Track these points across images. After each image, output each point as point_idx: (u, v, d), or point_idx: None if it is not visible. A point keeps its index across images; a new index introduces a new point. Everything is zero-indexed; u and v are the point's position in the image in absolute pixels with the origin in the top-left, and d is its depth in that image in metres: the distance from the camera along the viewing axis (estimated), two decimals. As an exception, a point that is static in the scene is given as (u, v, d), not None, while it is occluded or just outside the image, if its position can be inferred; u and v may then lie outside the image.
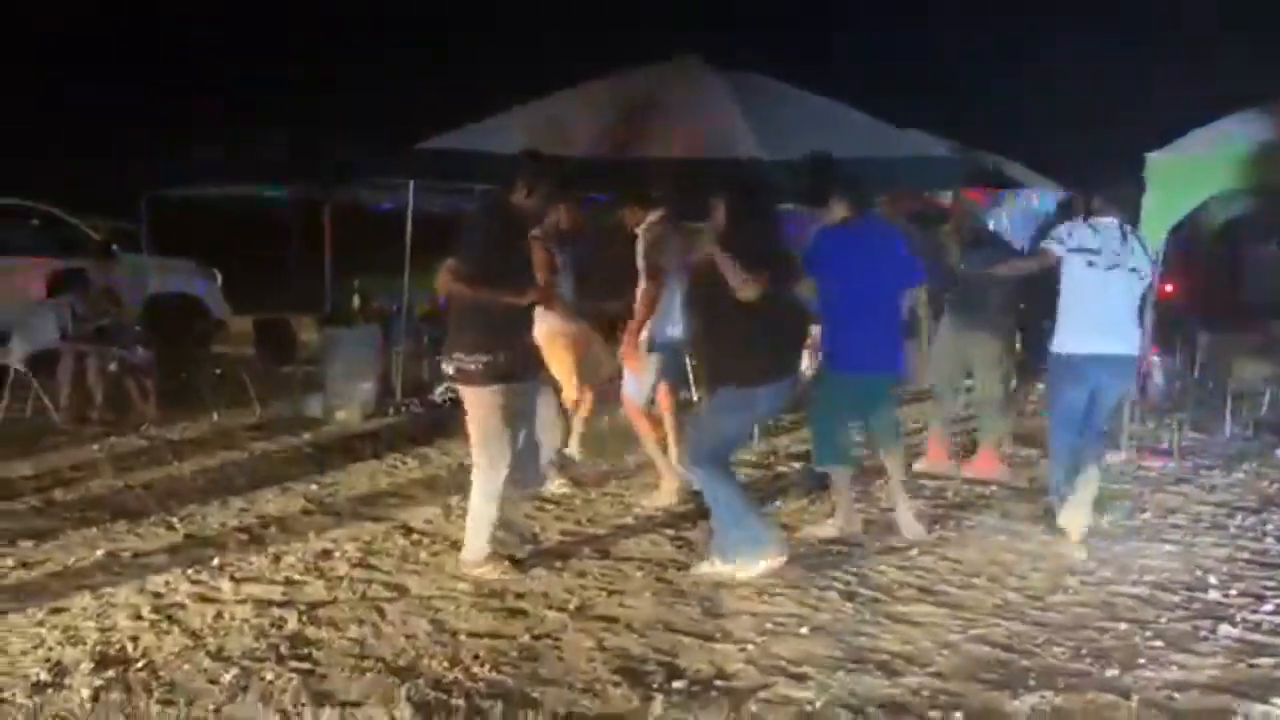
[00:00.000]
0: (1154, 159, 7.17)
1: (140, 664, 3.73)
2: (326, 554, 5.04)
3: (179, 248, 11.30)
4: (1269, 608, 4.43)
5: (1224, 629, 4.19)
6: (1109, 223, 5.39)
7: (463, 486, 6.07)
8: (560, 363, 6.19)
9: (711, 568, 4.75)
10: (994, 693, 3.58)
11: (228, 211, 11.75)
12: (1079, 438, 5.36)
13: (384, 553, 5.07)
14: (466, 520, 4.86)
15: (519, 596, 4.46)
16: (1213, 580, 4.77)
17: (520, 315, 4.83)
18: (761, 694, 3.55)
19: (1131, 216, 6.01)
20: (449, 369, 4.76)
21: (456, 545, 5.08)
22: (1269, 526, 5.66)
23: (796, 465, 6.93)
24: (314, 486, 6.36)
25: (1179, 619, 4.31)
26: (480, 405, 4.69)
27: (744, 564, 4.71)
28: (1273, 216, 9.46)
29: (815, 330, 9.05)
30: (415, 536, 5.32)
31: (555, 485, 6.07)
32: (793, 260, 5.07)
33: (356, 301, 10.54)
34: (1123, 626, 4.21)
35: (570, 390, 6.32)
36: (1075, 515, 5.27)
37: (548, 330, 5.91)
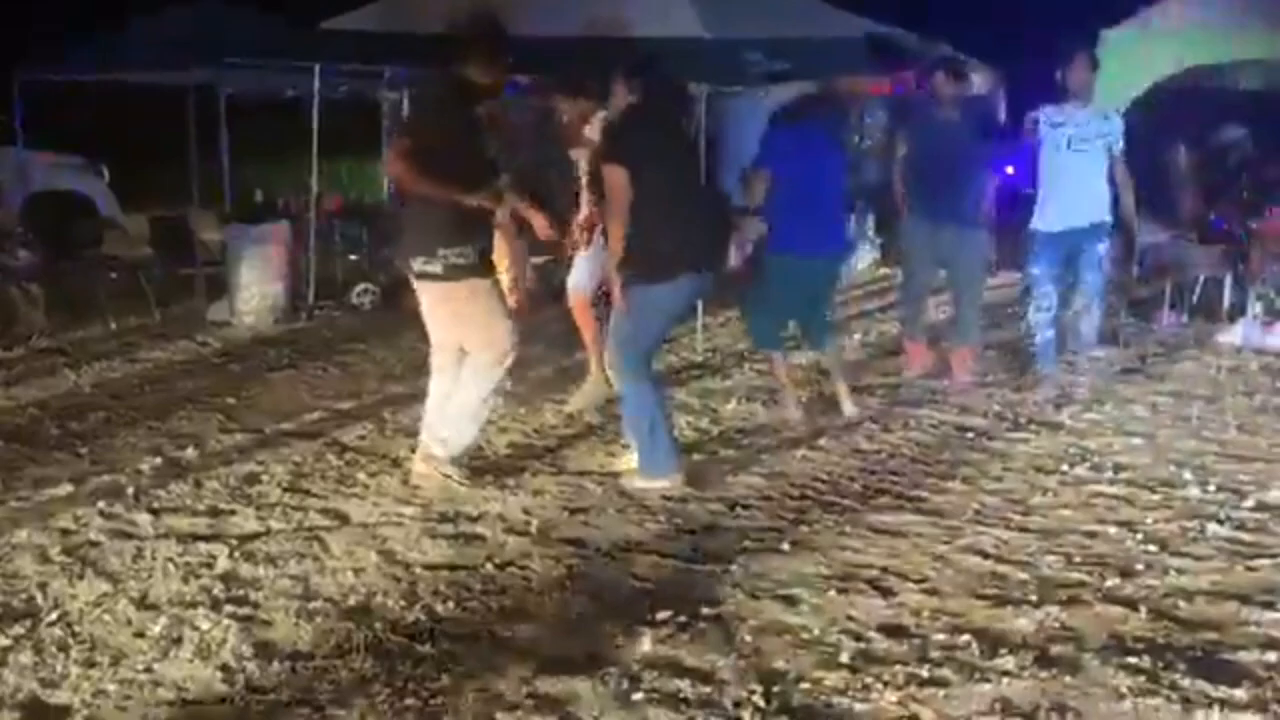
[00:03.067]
0: (1111, 35, 6.92)
1: (53, 617, 3.29)
2: (253, 478, 4.59)
3: (59, 140, 10.34)
4: (1250, 504, 4.31)
5: (1212, 528, 4.05)
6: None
7: (394, 398, 5.72)
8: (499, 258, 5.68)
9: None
10: (997, 609, 3.36)
11: (113, 99, 10.77)
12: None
13: (317, 474, 4.64)
14: (449, 417, 4.42)
15: (473, 520, 4.10)
16: (1188, 476, 4.64)
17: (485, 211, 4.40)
18: (753, 621, 3.27)
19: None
20: (432, 267, 4.25)
21: (396, 463, 4.70)
22: (1228, 417, 5.57)
23: (743, 366, 6.64)
24: (230, 400, 5.85)
25: (1165, 519, 4.15)
26: (480, 296, 4.31)
27: (642, 478, 4.45)
28: (1225, 100, 9.28)
29: (749, 224, 8.71)
30: (349, 455, 4.89)
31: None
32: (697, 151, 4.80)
33: (259, 196, 9.83)
34: (1111, 530, 4.04)
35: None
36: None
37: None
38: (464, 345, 4.42)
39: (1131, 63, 6.88)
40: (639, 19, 6.98)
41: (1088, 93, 5.78)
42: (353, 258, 9.41)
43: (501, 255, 5.43)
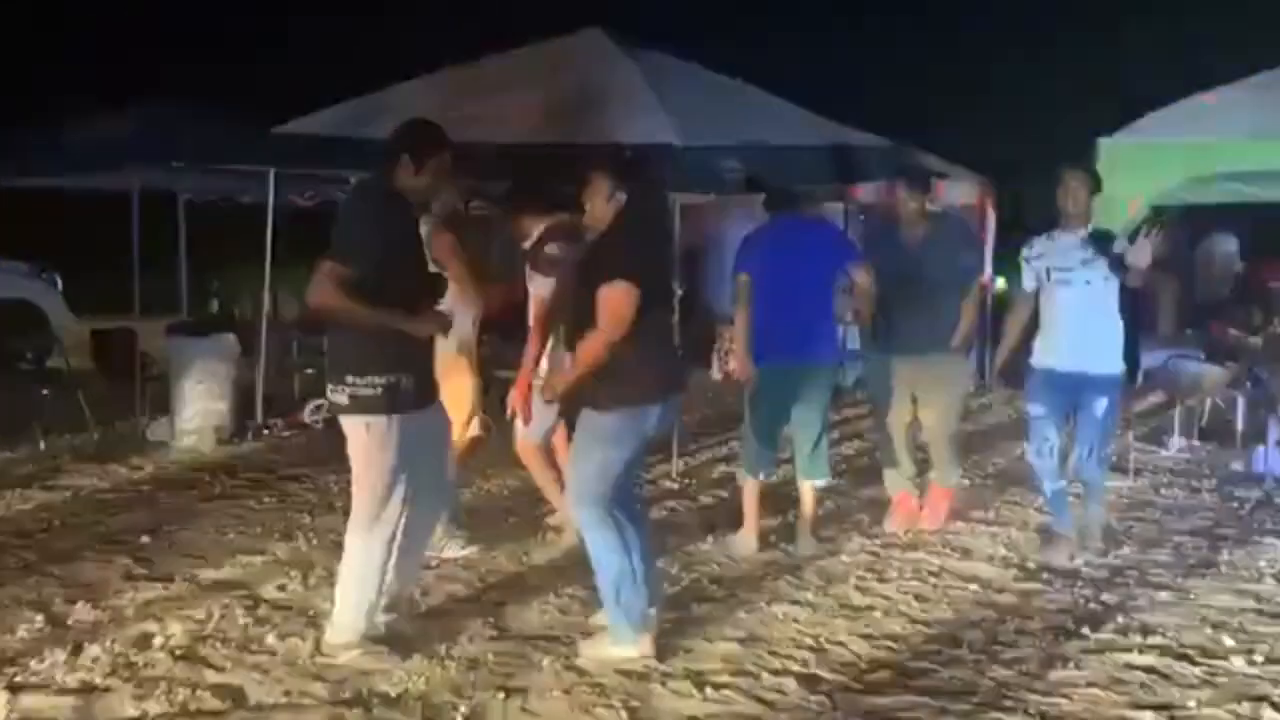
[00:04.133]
0: (1108, 144, 6.51)
1: None
2: (145, 641, 3.94)
3: (7, 246, 9.85)
4: (1306, 679, 3.69)
5: (1269, 715, 3.43)
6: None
7: (327, 537, 5.10)
8: (461, 390, 4.98)
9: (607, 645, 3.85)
10: (1022, 837, 2.72)
11: (61, 204, 10.31)
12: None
13: (219, 637, 3.99)
14: (337, 587, 3.85)
15: (390, 702, 3.45)
16: (1229, 641, 4.03)
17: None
18: None
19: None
20: (339, 397, 3.72)
21: (315, 623, 4.06)
22: (1261, 562, 4.97)
23: (723, 495, 6.05)
24: (145, 540, 5.21)
25: (1209, 700, 3.53)
26: (374, 441, 3.70)
27: (606, 643, 3.84)
28: (1228, 209, 8.86)
29: (726, 331, 8.16)
30: (263, 611, 4.24)
31: (459, 549, 4.90)
32: (668, 262, 4.25)
33: (215, 305, 9.33)
34: (1148, 717, 3.41)
35: (465, 428, 5.07)
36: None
37: (455, 343, 4.80)
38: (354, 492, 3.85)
39: (1132, 175, 6.43)
40: (611, 125, 6.58)
41: (1083, 216, 4.82)
42: (310, 371, 8.85)
43: (456, 378, 4.87)
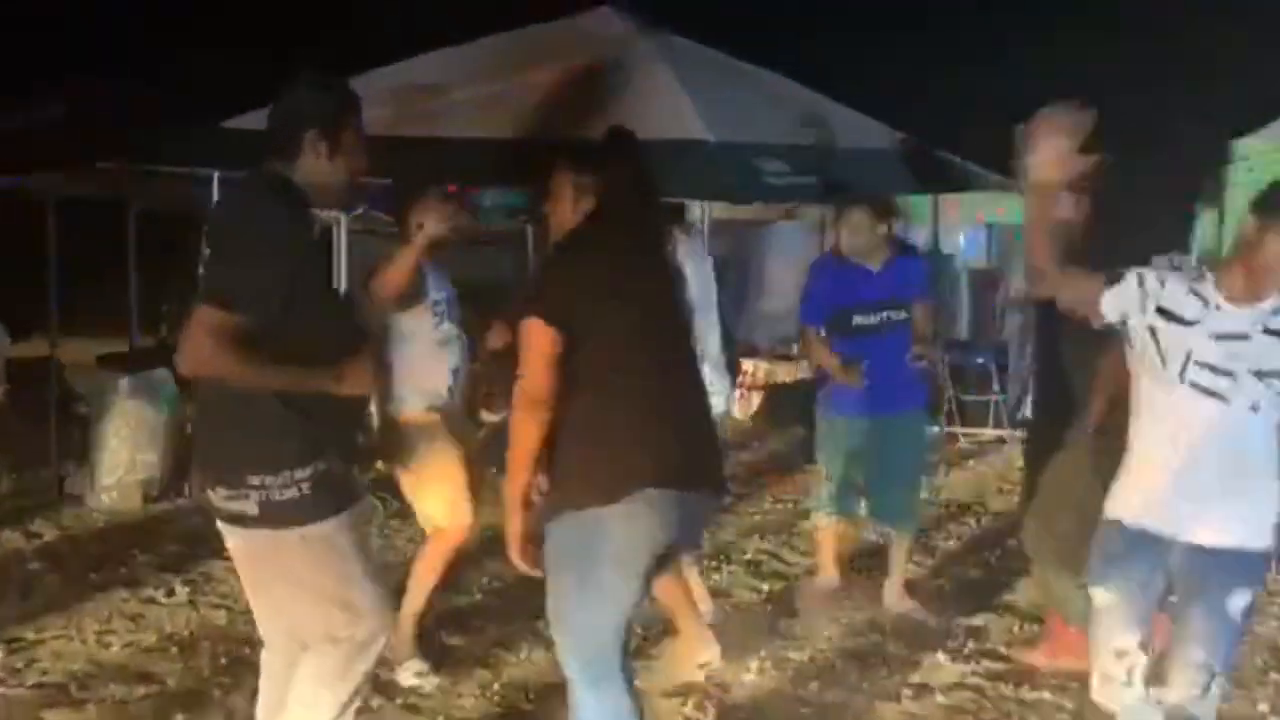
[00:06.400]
0: (1250, 146, 5.23)
1: None
2: None
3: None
4: None
5: None
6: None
7: (246, 650, 3.80)
8: (439, 463, 3.68)
9: None
10: None
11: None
12: None
13: None
14: None
15: None
16: None
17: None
18: None
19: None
20: (243, 506, 2.43)
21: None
22: None
23: (763, 588, 4.72)
24: (-2, 646, 3.92)
25: None
26: (312, 557, 2.47)
27: None
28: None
29: (749, 365, 7.33)
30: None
31: (413, 675, 3.66)
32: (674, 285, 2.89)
33: (165, 330, 8.08)
34: None
35: (458, 517, 3.73)
36: None
37: (425, 418, 3.65)
38: (296, 631, 2.58)
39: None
40: (625, 118, 5.30)
41: (1263, 284, 2.62)
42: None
43: (431, 448, 3.63)
